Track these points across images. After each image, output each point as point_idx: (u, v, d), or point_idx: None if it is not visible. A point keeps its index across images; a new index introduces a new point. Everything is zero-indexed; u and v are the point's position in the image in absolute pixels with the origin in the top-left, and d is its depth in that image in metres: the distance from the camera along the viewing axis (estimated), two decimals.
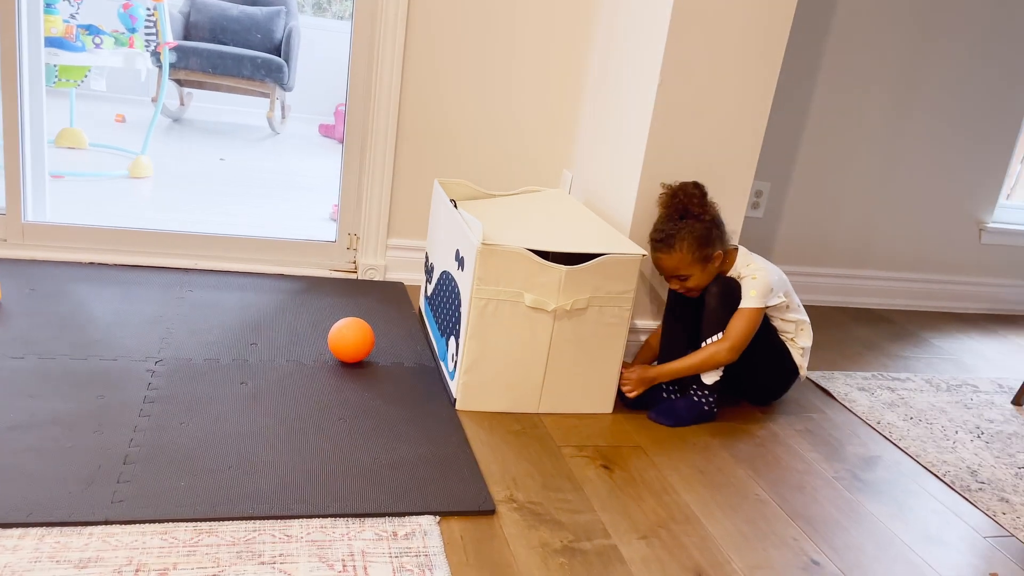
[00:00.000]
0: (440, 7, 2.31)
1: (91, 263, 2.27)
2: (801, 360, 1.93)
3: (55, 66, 3.30)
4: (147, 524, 1.27)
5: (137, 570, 1.18)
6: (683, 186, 1.89)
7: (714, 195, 1.92)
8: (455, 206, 1.91)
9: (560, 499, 1.50)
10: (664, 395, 1.90)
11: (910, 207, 2.92)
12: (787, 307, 1.90)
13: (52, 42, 3.22)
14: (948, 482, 1.76)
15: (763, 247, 2.78)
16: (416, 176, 2.45)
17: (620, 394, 1.87)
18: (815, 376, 2.24)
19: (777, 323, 1.91)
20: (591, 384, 1.84)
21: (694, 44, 1.93)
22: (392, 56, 2.31)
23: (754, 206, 2.72)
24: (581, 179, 2.42)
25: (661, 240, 1.84)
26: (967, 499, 1.71)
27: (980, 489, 1.75)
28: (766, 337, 1.86)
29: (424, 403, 1.78)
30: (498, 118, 2.46)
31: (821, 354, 2.42)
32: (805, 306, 1.99)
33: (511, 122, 2.48)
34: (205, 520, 1.30)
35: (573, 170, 2.50)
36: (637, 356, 2.05)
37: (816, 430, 1.94)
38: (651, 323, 2.13)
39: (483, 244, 1.67)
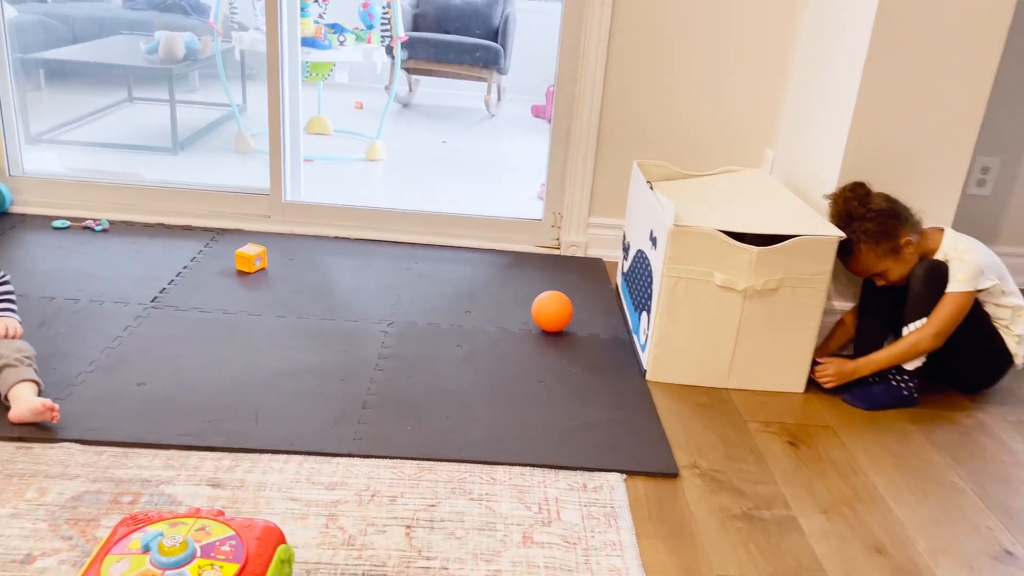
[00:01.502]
0: None
1: (336, 237, 2.64)
2: (1017, 348, 1.82)
3: (307, 63, 3.78)
4: (381, 459, 1.53)
5: (373, 495, 1.43)
6: (840, 192, 1.89)
7: (927, 173, 1.85)
8: (651, 188, 2.01)
9: (743, 470, 1.58)
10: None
11: None
12: (1001, 292, 1.80)
13: (304, 42, 3.68)
14: None
15: (989, 227, 2.59)
16: (618, 156, 2.56)
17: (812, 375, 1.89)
18: None
19: (990, 308, 1.82)
20: (782, 363, 1.87)
21: (907, 10, 1.86)
22: (598, 39, 2.43)
23: (980, 183, 2.54)
24: (783, 158, 2.41)
25: (841, 248, 1.81)
26: None
27: None
28: (975, 322, 1.79)
29: (617, 372, 1.92)
30: (700, 98, 2.50)
31: None
32: None
33: (713, 102, 2.51)
34: (426, 460, 1.53)
35: (776, 149, 2.48)
36: (831, 335, 2.03)
37: None
38: (848, 304, 2.09)
39: (675, 225, 1.76)
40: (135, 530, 1.02)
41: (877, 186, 1.90)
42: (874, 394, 1.84)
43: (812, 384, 1.90)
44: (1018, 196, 2.58)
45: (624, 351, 2.03)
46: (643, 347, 1.95)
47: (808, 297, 1.80)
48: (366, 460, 1.52)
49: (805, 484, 1.55)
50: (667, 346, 1.86)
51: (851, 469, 1.61)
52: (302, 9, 3.60)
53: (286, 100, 2.65)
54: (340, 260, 2.45)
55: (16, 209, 2.56)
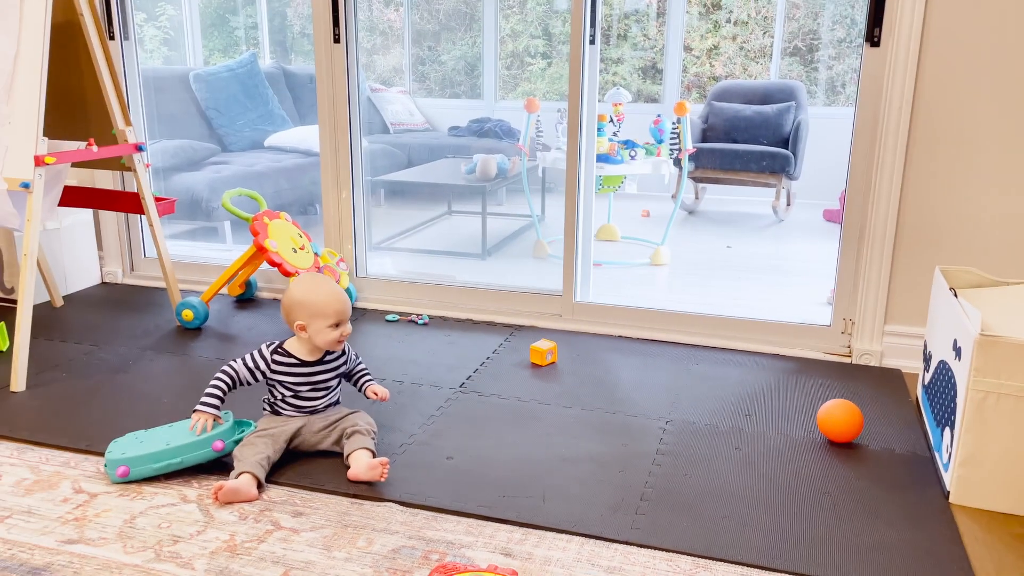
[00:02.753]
0: (949, 89, 2.30)
1: (620, 336, 2.79)
2: None
3: (600, 176, 4.09)
4: (656, 551, 1.58)
5: None
6: None
7: None
8: (954, 295, 1.89)
9: None
10: None
11: None
12: None
13: (599, 158, 4.00)
14: None
15: None
16: (918, 262, 2.42)
17: None
18: None
19: None
20: None
21: None
22: (895, 143, 2.37)
23: None
24: None
25: None
26: None
27: None
28: None
29: (914, 491, 1.78)
30: (1016, 199, 2.31)
31: None
32: None
33: None
34: (702, 557, 1.56)
35: None
36: None
37: None
38: None
39: (981, 335, 1.64)
40: None
41: None
42: None
43: None
44: None
45: (923, 469, 1.88)
46: (946, 466, 1.80)
47: None
48: (643, 549, 1.58)
49: None
50: (975, 467, 1.70)
51: None
52: (599, 129, 3.94)
53: (580, 210, 2.91)
54: (623, 358, 2.59)
55: (359, 304, 3.07)
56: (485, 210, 4.27)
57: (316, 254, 2.89)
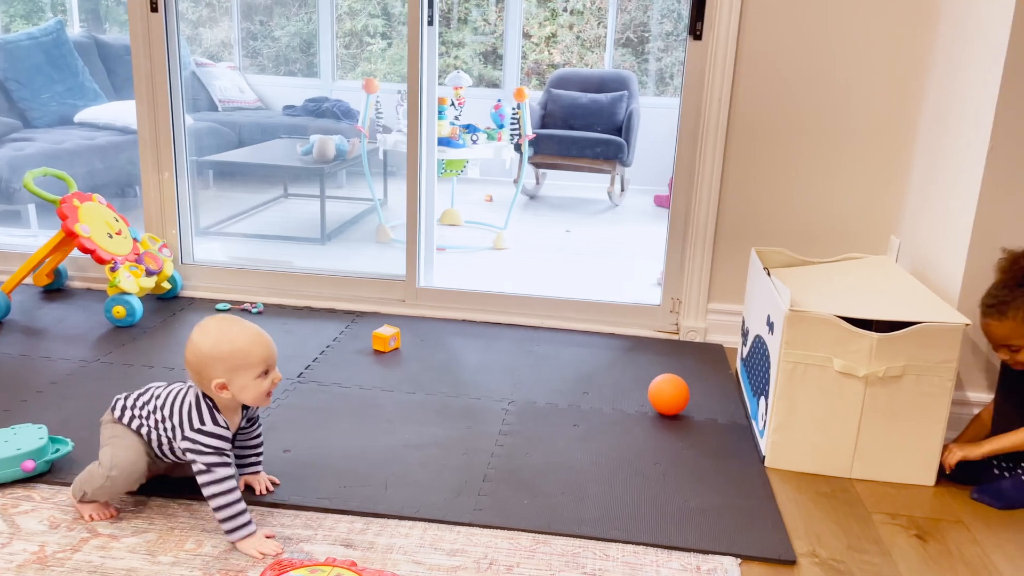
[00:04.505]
0: (762, 83, 2.47)
1: (463, 320, 2.80)
2: None
3: (442, 160, 4.08)
4: (499, 530, 1.60)
5: (491, 563, 1.50)
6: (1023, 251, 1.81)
7: None
8: (768, 274, 2.05)
9: (864, 561, 1.54)
10: (996, 472, 1.80)
11: None
12: None
13: (440, 142, 3.98)
14: None
15: None
16: (737, 243, 2.60)
17: (944, 469, 1.82)
18: None
19: None
20: (909, 453, 1.81)
21: None
22: (716, 133, 2.52)
23: None
24: (908, 246, 2.38)
25: (992, 306, 1.77)
26: None
27: None
28: None
29: (734, 457, 1.92)
30: (821, 184, 2.53)
31: None
32: None
33: (834, 188, 2.52)
34: (542, 533, 1.59)
35: (900, 236, 2.45)
36: (965, 431, 1.95)
37: None
38: (986, 396, 2.01)
39: (791, 310, 1.78)
40: (280, 575, 1.14)
41: None
42: (1003, 490, 1.75)
43: (943, 477, 1.82)
44: None
45: (742, 436, 2.03)
46: (762, 433, 1.94)
47: (934, 386, 1.76)
48: (485, 530, 1.60)
49: None
50: (786, 432, 1.86)
51: (983, 567, 1.53)
52: (439, 112, 3.92)
53: (423, 194, 2.88)
54: (467, 341, 2.60)
55: (186, 293, 2.89)
56: (324, 193, 4.14)
57: (135, 240, 2.68)
